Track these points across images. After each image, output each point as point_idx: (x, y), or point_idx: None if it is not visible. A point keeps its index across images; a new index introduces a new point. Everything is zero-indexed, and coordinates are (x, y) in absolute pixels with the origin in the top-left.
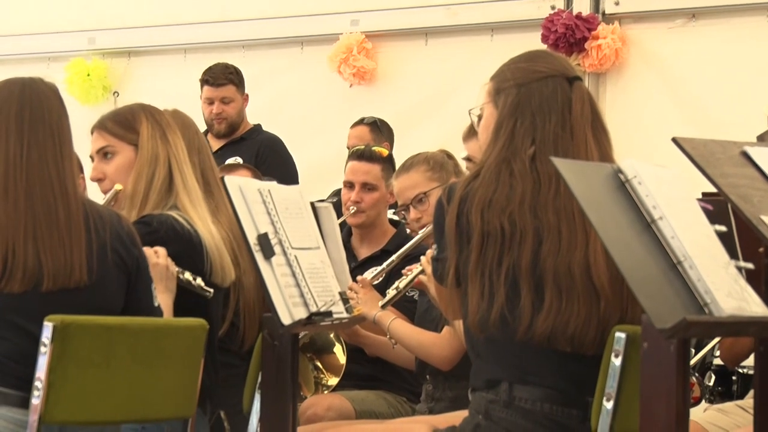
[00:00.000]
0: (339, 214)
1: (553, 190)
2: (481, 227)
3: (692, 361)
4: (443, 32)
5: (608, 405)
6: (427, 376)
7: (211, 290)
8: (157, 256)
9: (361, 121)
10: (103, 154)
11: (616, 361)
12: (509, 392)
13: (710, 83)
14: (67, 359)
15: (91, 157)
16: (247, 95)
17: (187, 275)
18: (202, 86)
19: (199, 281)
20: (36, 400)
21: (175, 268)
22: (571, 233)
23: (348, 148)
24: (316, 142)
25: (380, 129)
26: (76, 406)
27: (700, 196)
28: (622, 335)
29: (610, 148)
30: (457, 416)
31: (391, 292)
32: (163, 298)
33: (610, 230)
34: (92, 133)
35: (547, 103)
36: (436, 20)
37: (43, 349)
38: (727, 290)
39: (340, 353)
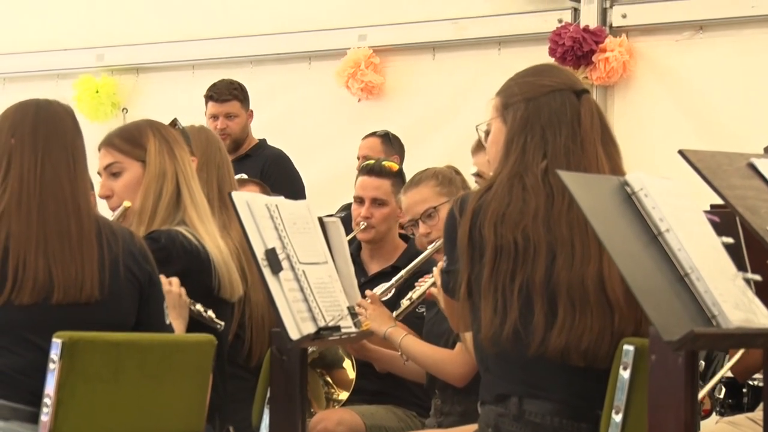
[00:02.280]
0: (348, 229)
1: (566, 203)
2: (495, 241)
3: (714, 380)
4: (451, 46)
5: (617, 418)
6: (437, 391)
7: (222, 323)
8: (170, 284)
9: (373, 134)
10: (111, 171)
11: (625, 374)
12: (519, 406)
13: (718, 95)
14: (76, 375)
15: (99, 174)
16: (251, 111)
17: (199, 307)
18: (206, 102)
19: (210, 313)
20: (45, 416)
21: (187, 299)
22: (585, 247)
23: (358, 158)
24: (324, 157)
25: (391, 142)
26: (85, 422)
27: (708, 208)
28: (631, 348)
29: (620, 161)
30: (467, 430)
31: (404, 303)
32: (176, 324)
33: (617, 242)
34: (99, 150)
35: (557, 117)
36: (443, 34)
37: (51, 365)
38: (734, 302)
39: (349, 368)
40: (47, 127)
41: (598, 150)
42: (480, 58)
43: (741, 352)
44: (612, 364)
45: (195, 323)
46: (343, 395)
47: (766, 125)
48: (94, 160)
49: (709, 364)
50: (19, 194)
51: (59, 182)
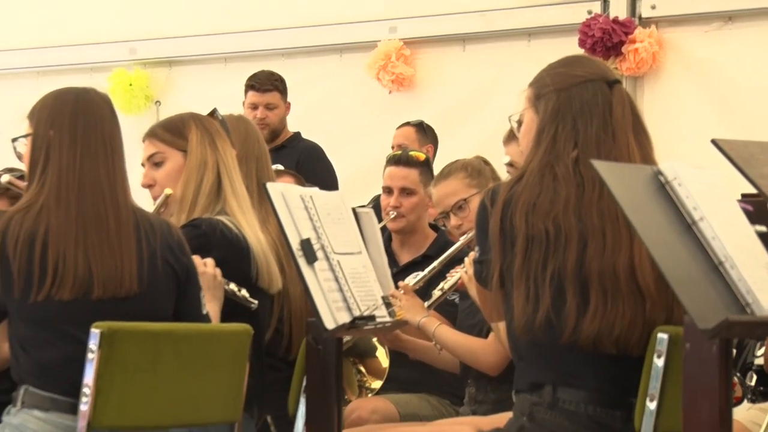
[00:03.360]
0: (379, 220)
1: (597, 192)
2: (526, 231)
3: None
4: (480, 38)
5: (651, 405)
6: (470, 380)
7: (256, 302)
8: (205, 265)
9: (407, 123)
10: (154, 161)
11: (659, 362)
12: (553, 394)
13: (747, 85)
14: (114, 365)
15: (143, 164)
16: (289, 103)
17: (232, 286)
18: (246, 91)
19: (244, 292)
20: (84, 406)
21: (222, 279)
22: (616, 235)
23: (392, 147)
24: (355, 148)
25: (425, 131)
26: (123, 411)
27: (740, 197)
28: (665, 336)
29: (651, 150)
30: (501, 418)
31: (436, 293)
32: (211, 306)
33: (651, 232)
34: (144, 141)
35: (588, 107)
36: (473, 26)
37: (90, 355)
38: None
39: (383, 357)
40: (86, 117)
41: (630, 139)
42: (509, 50)
43: None
44: (644, 351)
45: (231, 310)
46: (377, 384)
47: None
48: (129, 152)
49: (740, 352)
50: (57, 188)
51: (97, 175)
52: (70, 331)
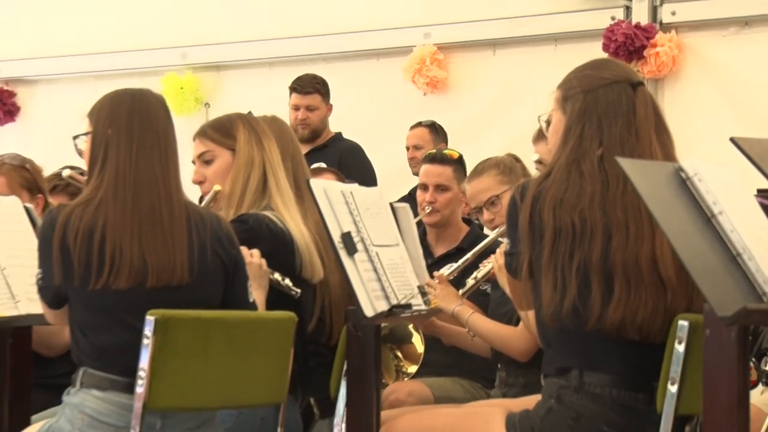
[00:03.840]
0: (414, 214)
1: (621, 188)
2: (554, 224)
3: None
4: (510, 43)
5: (673, 388)
6: (501, 364)
7: (299, 290)
8: (251, 256)
9: (419, 124)
10: (204, 158)
11: (680, 348)
12: (579, 378)
13: (763, 87)
14: (168, 350)
15: (193, 162)
16: (331, 105)
17: (277, 275)
18: (290, 93)
19: (288, 281)
20: (140, 388)
21: (267, 269)
22: (638, 229)
23: (407, 148)
24: (393, 147)
25: (438, 131)
26: (176, 393)
27: (756, 193)
28: (685, 323)
29: (673, 148)
30: (530, 400)
31: (469, 282)
32: (257, 294)
33: (673, 225)
34: (194, 140)
35: (613, 108)
36: (503, 32)
37: (145, 341)
38: None
39: (418, 343)
40: (141, 117)
41: (652, 138)
42: (537, 54)
43: None
44: (665, 337)
45: (277, 299)
46: (413, 368)
47: None
48: (181, 151)
49: (755, 339)
50: (115, 184)
51: (152, 172)
52: (126, 317)
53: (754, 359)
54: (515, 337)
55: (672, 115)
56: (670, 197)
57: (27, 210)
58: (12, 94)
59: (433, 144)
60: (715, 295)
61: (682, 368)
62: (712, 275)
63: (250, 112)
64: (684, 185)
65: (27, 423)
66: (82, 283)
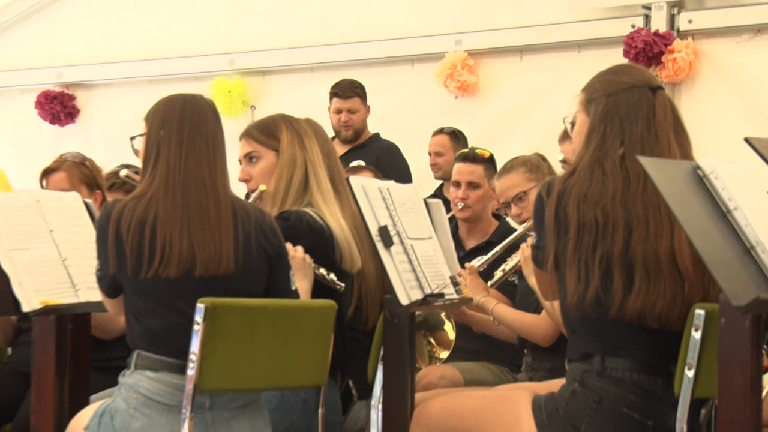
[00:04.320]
0: (447, 210)
1: (641, 185)
2: (578, 219)
3: None
4: (536, 49)
5: (689, 373)
6: (527, 350)
7: (343, 284)
8: (295, 251)
9: (441, 131)
10: (249, 158)
11: (696, 335)
12: (602, 363)
13: None
14: (217, 336)
15: (240, 161)
16: (369, 107)
17: (322, 270)
18: (331, 98)
19: (332, 276)
20: (191, 371)
21: (311, 260)
22: (658, 224)
23: (430, 154)
24: (425, 147)
25: (458, 138)
26: (224, 375)
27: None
28: (702, 312)
29: (690, 148)
30: (555, 384)
31: (497, 274)
32: (301, 284)
33: (690, 220)
34: (240, 140)
35: (634, 110)
36: (529, 39)
37: (196, 327)
38: None
39: (450, 330)
40: (191, 120)
41: (671, 139)
42: (562, 60)
43: None
44: (683, 325)
45: (318, 288)
46: (444, 354)
47: None
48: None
49: (766, 327)
50: (165, 181)
51: (200, 170)
52: (176, 303)
53: (766, 346)
54: (537, 324)
55: (689, 117)
56: (688, 194)
57: (86, 205)
58: (72, 98)
59: (453, 150)
60: (730, 285)
61: (698, 354)
62: (728, 267)
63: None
64: (701, 182)
65: (86, 402)
66: (134, 271)
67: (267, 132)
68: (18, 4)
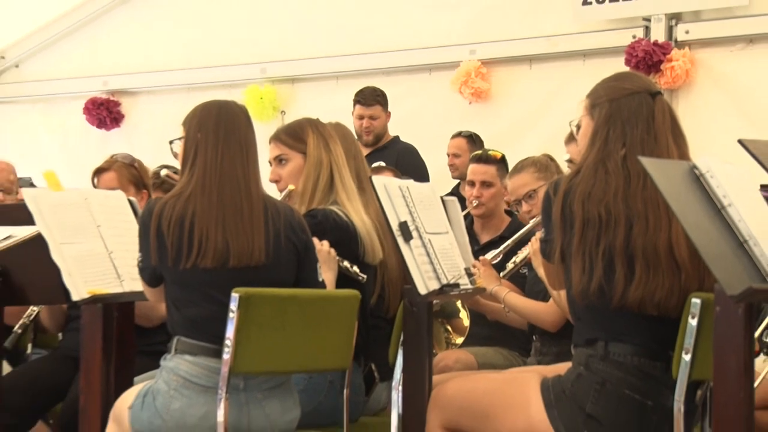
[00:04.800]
0: (462, 207)
1: (641, 184)
2: (582, 215)
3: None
4: (544, 58)
5: (686, 357)
6: (536, 336)
7: (365, 276)
8: (321, 245)
9: (459, 134)
10: (279, 160)
11: (693, 322)
12: (605, 348)
13: (766, 96)
14: (250, 323)
15: (270, 162)
16: (389, 112)
17: (346, 263)
18: (354, 105)
19: (355, 268)
20: (226, 355)
21: (335, 254)
22: (657, 219)
23: (448, 155)
24: (441, 149)
25: (474, 141)
26: (257, 360)
27: (760, 188)
28: (698, 301)
29: (687, 149)
30: (562, 367)
31: (509, 266)
32: (327, 275)
33: (688, 216)
34: (270, 143)
35: (635, 114)
36: (538, 49)
37: (231, 315)
38: None
39: (464, 317)
40: (226, 124)
41: (669, 141)
42: (568, 68)
43: None
44: (680, 313)
45: (343, 279)
46: (460, 340)
47: None
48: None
49: (758, 314)
50: (202, 180)
51: (234, 170)
52: (212, 293)
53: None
54: (545, 311)
55: (686, 121)
56: (685, 191)
57: (130, 202)
58: (117, 104)
59: (470, 152)
60: (725, 276)
61: (695, 340)
62: (722, 259)
63: (317, 119)
64: (697, 181)
65: (130, 384)
66: (174, 263)
67: (295, 136)
68: (67, 19)
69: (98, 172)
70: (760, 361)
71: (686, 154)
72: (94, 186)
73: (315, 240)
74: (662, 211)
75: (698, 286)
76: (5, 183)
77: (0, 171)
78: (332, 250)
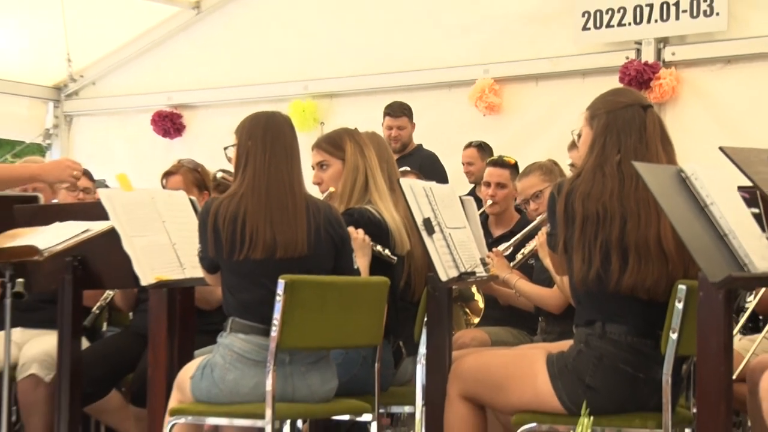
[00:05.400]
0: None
1: (634, 185)
2: (583, 212)
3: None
4: (548, 77)
5: (673, 336)
6: (542, 317)
7: (395, 257)
8: (357, 233)
9: (470, 144)
10: (320, 165)
11: (679, 305)
12: (602, 328)
13: (741, 109)
14: (294, 306)
15: (313, 167)
16: (414, 124)
17: (378, 248)
18: (384, 116)
19: (387, 252)
20: (274, 333)
21: (369, 240)
22: (647, 216)
23: (463, 164)
24: (459, 155)
25: (484, 149)
26: (300, 337)
27: (738, 188)
28: (684, 287)
29: (674, 155)
30: (565, 344)
31: (519, 256)
32: (362, 261)
33: (675, 213)
34: (312, 150)
35: (628, 125)
36: (543, 68)
37: (278, 298)
38: (760, 255)
39: (480, 301)
40: (273, 132)
41: (659, 148)
42: (569, 85)
43: (763, 290)
44: (668, 297)
45: (376, 267)
46: (476, 320)
47: None
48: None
49: (735, 299)
50: (253, 182)
51: (280, 172)
52: (261, 280)
53: (734, 315)
54: (550, 296)
55: (672, 131)
56: (673, 192)
57: (191, 201)
58: (180, 116)
59: (481, 159)
60: (707, 265)
61: (681, 321)
62: (705, 251)
63: (355, 129)
64: (684, 183)
65: (191, 357)
66: (228, 255)
67: (334, 144)
68: (136, 43)
69: (167, 174)
70: (736, 340)
71: (674, 160)
72: (163, 186)
73: (351, 229)
74: (652, 209)
75: (683, 274)
76: (85, 185)
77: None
78: (366, 237)
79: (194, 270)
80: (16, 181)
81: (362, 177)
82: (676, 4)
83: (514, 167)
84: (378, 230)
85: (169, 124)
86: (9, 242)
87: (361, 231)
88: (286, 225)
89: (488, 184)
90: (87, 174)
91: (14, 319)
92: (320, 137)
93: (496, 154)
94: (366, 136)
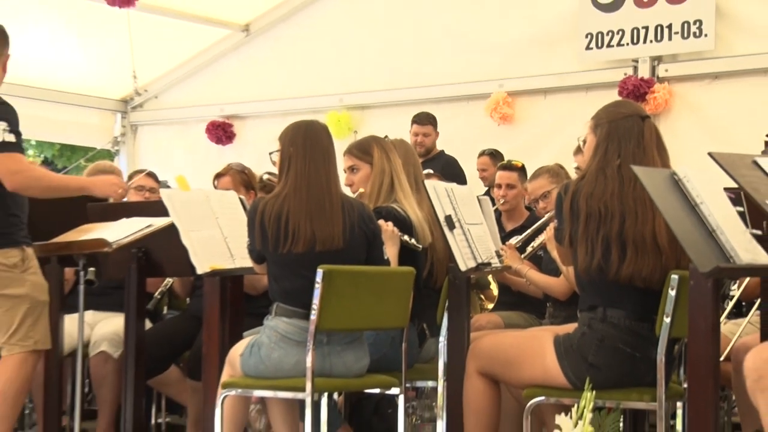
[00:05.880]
0: (493, 204)
1: (632, 186)
2: (586, 210)
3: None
4: (556, 90)
5: (667, 320)
6: (549, 303)
7: (420, 246)
8: (386, 225)
9: (483, 152)
10: (351, 169)
11: (672, 293)
12: (604, 313)
13: (728, 120)
14: (331, 292)
15: (345, 171)
16: (438, 132)
17: (405, 237)
18: (411, 124)
19: (413, 240)
20: (313, 316)
21: (397, 231)
22: (644, 213)
23: (478, 170)
24: (476, 160)
25: (495, 155)
26: (336, 320)
27: (724, 189)
28: (676, 276)
29: (668, 160)
30: (570, 327)
31: (529, 249)
32: (391, 250)
33: (669, 211)
34: (344, 155)
35: (628, 133)
36: (551, 83)
37: (317, 286)
38: (744, 248)
39: (494, 288)
40: (312, 139)
41: (654, 154)
42: (574, 98)
43: (747, 280)
44: (662, 286)
45: (404, 257)
46: (490, 306)
47: (760, 139)
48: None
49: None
50: (295, 183)
51: (319, 175)
52: (302, 271)
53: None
54: (557, 284)
55: (666, 139)
56: (667, 192)
57: (240, 200)
58: (231, 126)
59: (493, 166)
60: (698, 257)
61: (673, 307)
62: (696, 245)
63: (386, 136)
64: (677, 184)
65: (240, 337)
66: (273, 249)
67: (363, 150)
68: (192, 61)
69: (218, 176)
70: (721, 324)
71: (668, 164)
72: (215, 187)
73: (381, 221)
74: (648, 208)
75: (676, 265)
76: (151, 186)
77: (146, 177)
78: (395, 229)
79: (243, 260)
80: (66, 190)
81: (388, 179)
82: (669, 27)
83: (521, 170)
84: (403, 225)
85: (221, 132)
86: (82, 236)
87: (390, 223)
88: (325, 222)
89: (499, 186)
90: (153, 176)
91: (87, 303)
92: (351, 144)
93: (506, 159)
94: (395, 143)
